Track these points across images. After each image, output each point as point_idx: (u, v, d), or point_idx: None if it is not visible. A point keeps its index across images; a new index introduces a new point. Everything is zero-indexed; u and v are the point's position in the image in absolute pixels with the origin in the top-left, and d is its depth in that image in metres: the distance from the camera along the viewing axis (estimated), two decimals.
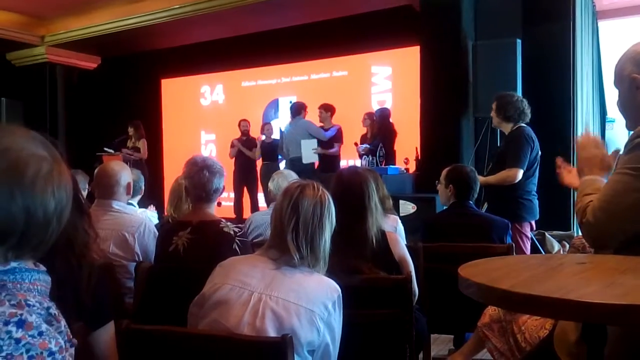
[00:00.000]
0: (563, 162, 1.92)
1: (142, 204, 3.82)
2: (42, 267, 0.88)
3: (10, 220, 0.80)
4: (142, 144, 7.89)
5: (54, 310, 0.83)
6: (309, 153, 6.40)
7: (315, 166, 6.48)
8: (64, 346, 0.80)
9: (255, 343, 1.38)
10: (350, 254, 2.04)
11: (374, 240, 2.11)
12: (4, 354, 0.73)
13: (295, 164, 6.23)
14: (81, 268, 1.33)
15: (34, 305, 0.80)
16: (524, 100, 3.80)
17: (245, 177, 7.58)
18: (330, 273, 1.66)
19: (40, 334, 0.77)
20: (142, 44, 8.89)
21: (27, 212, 0.81)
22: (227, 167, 2.54)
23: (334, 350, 1.56)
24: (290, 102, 7.34)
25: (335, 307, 1.55)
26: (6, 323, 0.75)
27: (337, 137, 6.67)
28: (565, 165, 1.91)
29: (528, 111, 3.74)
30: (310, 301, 1.50)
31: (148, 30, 8.13)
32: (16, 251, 0.83)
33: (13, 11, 8.29)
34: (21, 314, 0.77)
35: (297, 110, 6.65)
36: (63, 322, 0.84)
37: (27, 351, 0.75)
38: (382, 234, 2.17)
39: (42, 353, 0.76)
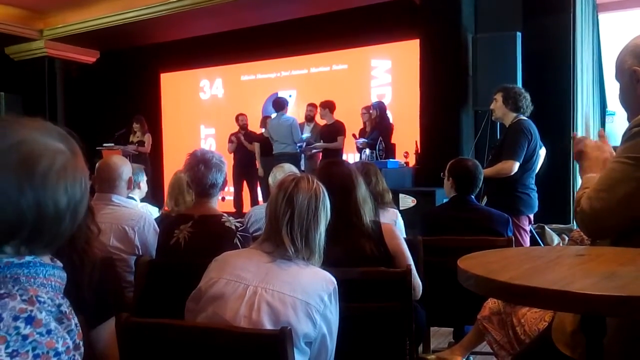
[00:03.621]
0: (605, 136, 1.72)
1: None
2: (59, 263, 0.86)
3: (20, 215, 0.78)
4: (148, 139, 7.94)
5: (65, 308, 0.82)
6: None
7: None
8: (71, 346, 0.79)
9: (254, 336, 1.38)
10: (352, 234, 2.05)
11: (370, 226, 2.08)
12: (10, 350, 0.71)
13: (280, 160, 6.20)
14: (83, 264, 1.33)
15: (45, 302, 0.78)
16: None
17: (244, 171, 7.59)
18: (334, 259, 1.66)
19: (49, 332, 0.76)
20: (141, 38, 8.86)
21: (38, 207, 0.79)
22: (227, 162, 2.54)
23: (332, 343, 1.56)
24: (291, 96, 7.41)
25: (331, 299, 1.54)
26: (15, 318, 0.74)
27: (341, 131, 6.69)
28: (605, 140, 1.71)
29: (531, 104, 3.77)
30: (305, 293, 1.49)
31: (147, 23, 8.10)
32: (28, 245, 0.81)
33: (11, 5, 8.25)
34: (31, 310, 0.75)
35: (281, 105, 6.90)
36: (74, 321, 0.82)
37: (34, 349, 0.73)
38: (377, 225, 2.12)
39: (48, 352, 0.74)
